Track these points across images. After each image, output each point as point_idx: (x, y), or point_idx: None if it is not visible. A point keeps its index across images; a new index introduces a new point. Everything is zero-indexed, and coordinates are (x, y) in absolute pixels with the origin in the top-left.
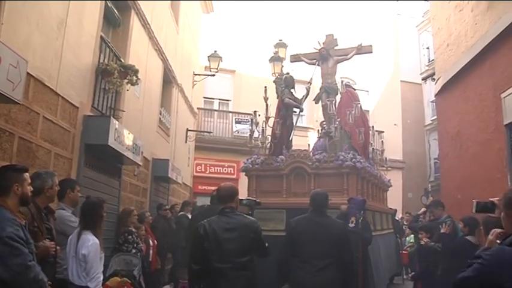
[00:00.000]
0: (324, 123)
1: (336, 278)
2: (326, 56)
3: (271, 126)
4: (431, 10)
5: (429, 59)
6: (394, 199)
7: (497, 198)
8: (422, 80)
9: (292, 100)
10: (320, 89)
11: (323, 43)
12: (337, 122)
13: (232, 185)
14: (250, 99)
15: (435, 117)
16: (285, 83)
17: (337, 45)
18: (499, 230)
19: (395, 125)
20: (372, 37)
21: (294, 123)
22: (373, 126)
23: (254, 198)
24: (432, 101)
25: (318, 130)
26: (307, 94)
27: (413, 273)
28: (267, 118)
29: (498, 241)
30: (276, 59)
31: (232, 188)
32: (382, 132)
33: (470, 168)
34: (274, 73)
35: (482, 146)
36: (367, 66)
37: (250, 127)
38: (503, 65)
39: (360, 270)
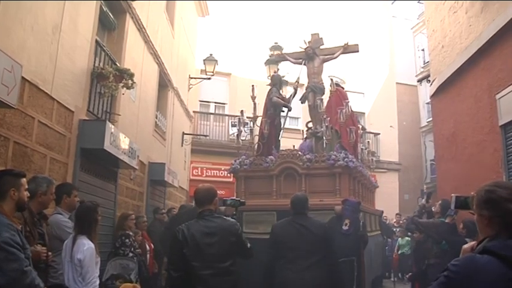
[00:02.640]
0: (310, 123)
1: (320, 276)
2: (312, 55)
3: (259, 125)
4: (426, 12)
5: (424, 61)
6: (391, 201)
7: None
8: (418, 81)
9: (280, 99)
10: (306, 89)
11: (309, 42)
12: (327, 121)
13: (211, 186)
14: (246, 102)
15: (431, 119)
16: (272, 82)
17: (322, 44)
18: (474, 243)
19: (391, 127)
20: (367, 39)
21: (283, 123)
22: (362, 127)
23: (238, 198)
24: (428, 103)
25: (303, 131)
26: (295, 93)
27: (410, 273)
28: (255, 117)
29: None
30: (271, 61)
31: (210, 189)
32: (378, 134)
33: (466, 170)
34: (270, 76)
35: (477, 147)
36: (362, 69)
37: (237, 127)
38: (497, 66)
39: (362, 275)
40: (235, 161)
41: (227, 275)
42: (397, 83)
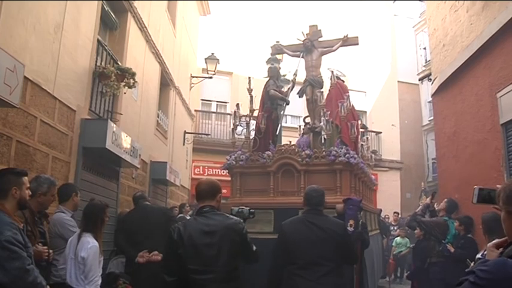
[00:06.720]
0: (308, 118)
1: (340, 284)
2: (310, 47)
3: (256, 120)
4: (427, 11)
5: (426, 60)
6: (393, 199)
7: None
8: (419, 80)
9: (277, 92)
10: (304, 82)
11: (307, 34)
12: (327, 115)
13: (215, 180)
14: (248, 100)
15: (432, 117)
16: (269, 74)
17: (321, 36)
18: (498, 240)
19: (392, 125)
20: (369, 38)
21: (280, 117)
22: (364, 125)
23: (248, 208)
24: (429, 102)
25: (300, 126)
26: (293, 86)
27: (408, 272)
28: (252, 111)
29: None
30: (272, 60)
31: (214, 183)
32: (380, 132)
33: (467, 168)
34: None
35: (478, 146)
36: (364, 67)
37: (233, 121)
38: (498, 64)
39: (356, 278)
40: (230, 156)
41: (229, 281)
42: (398, 81)
